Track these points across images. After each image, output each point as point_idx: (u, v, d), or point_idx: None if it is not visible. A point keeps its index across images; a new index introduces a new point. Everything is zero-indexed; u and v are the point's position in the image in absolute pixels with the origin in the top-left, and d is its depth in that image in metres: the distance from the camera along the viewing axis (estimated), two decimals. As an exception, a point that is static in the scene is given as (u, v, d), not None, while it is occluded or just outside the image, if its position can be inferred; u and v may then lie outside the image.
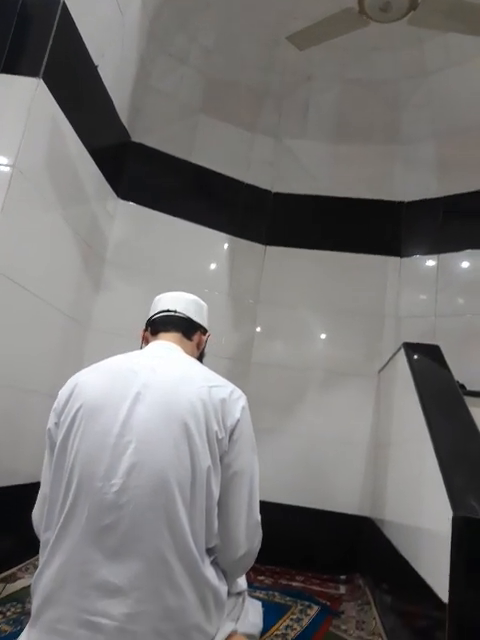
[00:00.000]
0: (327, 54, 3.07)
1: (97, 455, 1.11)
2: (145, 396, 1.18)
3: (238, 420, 1.21)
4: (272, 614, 1.95)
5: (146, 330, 1.50)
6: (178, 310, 1.47)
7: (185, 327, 1.46)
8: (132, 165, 3.15)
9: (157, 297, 1.55)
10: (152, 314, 1.51)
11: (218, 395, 1.21)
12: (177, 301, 1.50)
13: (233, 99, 3.36)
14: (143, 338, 1.50)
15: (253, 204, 3.46)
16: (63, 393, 1.26)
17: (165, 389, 1.20)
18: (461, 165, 3.18)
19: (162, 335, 1.44)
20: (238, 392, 1.28)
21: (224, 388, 1.25)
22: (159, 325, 1.46)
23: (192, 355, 1.44)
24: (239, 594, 1.40)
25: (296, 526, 2.91)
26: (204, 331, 1.53)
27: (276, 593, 2.32)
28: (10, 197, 1.93)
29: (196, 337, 1.49)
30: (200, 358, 1.52)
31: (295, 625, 1.94)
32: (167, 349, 1.37)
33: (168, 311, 1.47)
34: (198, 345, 1.50)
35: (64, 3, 2.11)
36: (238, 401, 1.25)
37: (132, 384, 1.20)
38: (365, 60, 3.22)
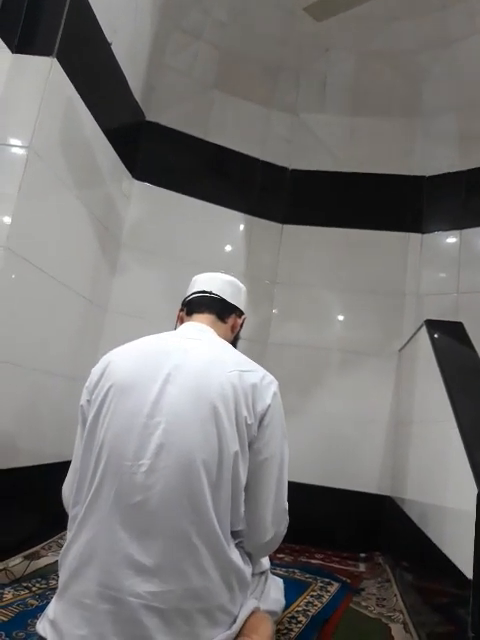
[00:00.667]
0: (345, 25, 2.98)
1: (126, 434, 1.12)
2: (176, 377, 1.17)
3: (269, 406, 1.20)
4: (292, 591, 1.96)
5: (182, 310, 1.49)
6: (213, 291, 1.45)
7: (219, 309, 1.44)
8: (147, 144, 3.12)
9: (194, 277, 1.53)
10: (188, 294, 1.49)
11: (249, 380, 1.20)
12: (213, 282, 1.48)
13: (248, 74, 3.29)
14: (178, 318, 1.49)
15: (270, 182, 3.41)
16: (96, 371, 1.26)
17: (196, 371, 1.19)
18: (485, 137, 3.09)
19: (196, 316, 1.42)
20: (269, 377, 1.26)
21: (255, 373, 1.23)
22: (194, 306, 1.45)
23: (225, 338, 1.42)
24: (262, 573, 1.41)
25: (315, 505, 2.91)
26: (240, 314, 1.50)
27: (296, 570, 2.34)
28: (26, 179, 1.93)
29: (231, 320, 1.46)
30: (234, 341, 1.49)
31: (316, 602, 1.96)
32: (200, 331, 1.36)
33: (203, 292, 1.46)
34: (232, 328, 1.47)
35: (76, -21, 2.08)
36: (269, 387, 1.23)
37: (163, 365, 1.19)
38: (385, 30, 3.12)
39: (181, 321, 1.47)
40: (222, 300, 1.45)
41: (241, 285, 1.53)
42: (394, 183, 3.34)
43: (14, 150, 1.94)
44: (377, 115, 3.32)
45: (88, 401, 1.24)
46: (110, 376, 1.20)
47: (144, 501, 1.07)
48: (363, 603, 2.01)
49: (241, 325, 1.51)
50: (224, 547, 1.11)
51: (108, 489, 1.10)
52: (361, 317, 3.22)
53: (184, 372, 1.18)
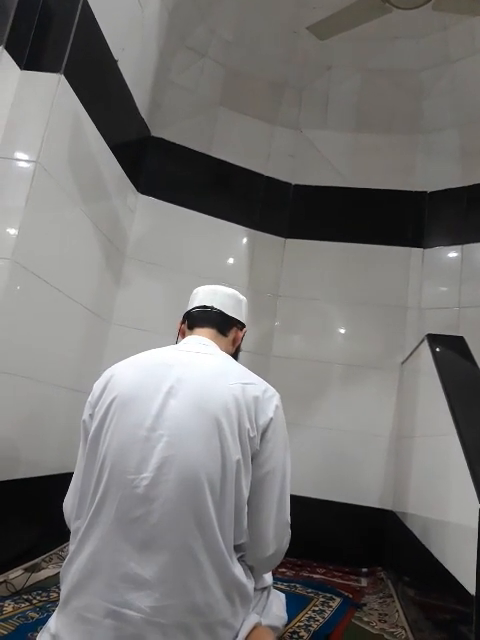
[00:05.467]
0: (347, 44, 3.04)
1: (129, 448, 1.12)
2: (178, 390, 1.18)
3: (271, 419, 1.20)
4: (294, 606, 1.95)
5: (183, 322, 1.50)
6: (215, 306, 1.46)
7: (220, 323, 1.45)
8: (152, 160, 3.16)
9: (195, 289, 1.54)
10: (190, 308, 1.50)
11: (251, 393, 1.21)
12: (214, 296, 1.49)
13: (252, 91, 3.34)
14: (180, 331, 1.50)
15: (273, 197, 3.45)
16: (98, 385, 1.27)
17: (198, 384, 1.20)
18: (486, 153, 3.13)
19: (198, 330, 1.43)
20: (272, 391, 1.26)
21: (258, 386, 1.24)
22: (196, 320, 1.46)
23: (227, 351, 1.43)
24: (264, 589, 1.40)
25: (317, 519, 2.90)
26: (241, 326, 1.51)
27: (298, 585, 2.32)
28: (33, 193, 1.95)
29: (232, 333, 1.47)
30: (236, 354, 1.50)
31: (317, 617, 1.94)
32: (202, 344, 1.36)
33: (205, 307, 1.47)
34: (234, 341, 1.48)
35: (85, -1, 2.12)
36: (271, 400, 1.23)
37: (166, 378, 1.20)
38: (387, 49, 3.18)
39: (182, 334, 1.48)
40: (223, 314, 1.46)
41: (242, 297, 1.54)
42: (396, 198, 3.37)
43: (22, 164, 1.97)
44: (379, 132, 3.37)
45: (90, 415, 1.24)
46: (113, 390, 1.21)
47: (146, 514, 1.07)
48: (365, 619, 1.99)
49: (242, 337, 1.52)
50: (227, 561, 1.10)
51: (110, 502, 1.10)
52: (363, 330, 3.23)
53: (186, 385, 1.19)
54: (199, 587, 1.06)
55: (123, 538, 1.07)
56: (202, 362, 1.28)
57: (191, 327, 1.46)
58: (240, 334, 1.51)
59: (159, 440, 1.12)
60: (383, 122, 3.36)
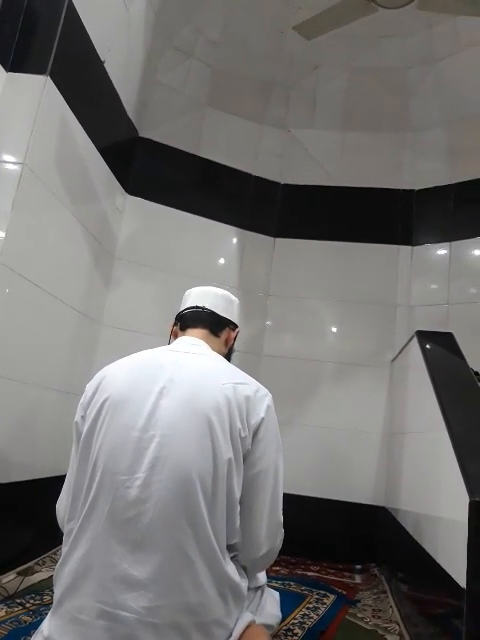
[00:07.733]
0: (334, 43, 3.04)
1: (121, 448, 1.12)
2: (170, 391, 1.18)
3: (263, 419, 1.21)
4: (288, 603, 1.95)
5: (175, 324, 1.50)
6: (206, 306, 1.47)
7: (212, 323, 1.45)
8: (140, 160, 3.16)
9: (187, 291, 1.54)
10: (182, 309, 1.50)
11: (243, 393, 1.21)
12: (206, 297, 1.49)
13: (240, 91, 3.34)
14: (172, 332, 1.50)
15: (262, 196, 3.46)
16: (90, 386, 1.27)
17: (190, 385, 1.20)
18: (472, 151, 3.15)
19: (190, 331, 1.44)
20: (263, 391, 1.26)
21: (249, 386, 1.24)
22: (187, 321, 1.46)
23: (219, 351, 1.43)
24: (258, 588, 1.41)
25: (310, 517, 2.91)
26: (233, 327, 1.51)
27: (292, 582, 2.33)
28: (20, 195, 1.94)
29: (224, 334, 1.48)
30: (229, 354, 1.51)
31: (311, 614, 1.95)
32: (194, 345, 1.37)
33: (197, 307, 1.47)
34: (226, 341, 1.49)
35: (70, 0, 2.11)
36: (263, 400, 1.24)
37: (158, 378, 1.20)
38: (373, 48, 3.19)
39: (175, 336, 1.48)
40: (215, 314, 1.46)
41: (234, 298, 1.55)
42: (384, 197, 3.39)
43: (8, 166, 1.96)
44: (367, 130, 3.38)
45: (82, 417, 1.24)
46: (104, 391, 1.21)
47: (139, 515, 1.07)
48: (359, 615, 2.00)
49: (234, 338, 1.52)
50: (220, 561, 1.10)
51: (103, 503, 1.10)
52: (353, 328, 3.25)
53: (178, 385, 1.19)
54: (192, 587, 1.06)
55: (116, 539, 1.07)
56: (194, 362, 1.28)
57: (183, 328, 1.46)
58: (233, 335, 1.51)
59: (151, 440, 1.12)
60: (371, 121, 3.37)
